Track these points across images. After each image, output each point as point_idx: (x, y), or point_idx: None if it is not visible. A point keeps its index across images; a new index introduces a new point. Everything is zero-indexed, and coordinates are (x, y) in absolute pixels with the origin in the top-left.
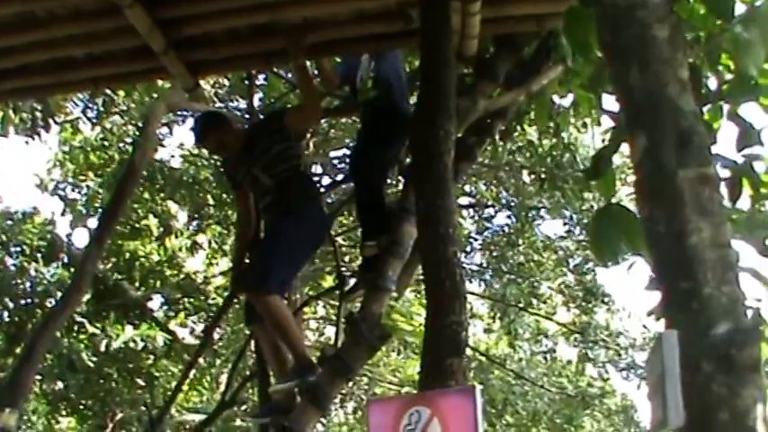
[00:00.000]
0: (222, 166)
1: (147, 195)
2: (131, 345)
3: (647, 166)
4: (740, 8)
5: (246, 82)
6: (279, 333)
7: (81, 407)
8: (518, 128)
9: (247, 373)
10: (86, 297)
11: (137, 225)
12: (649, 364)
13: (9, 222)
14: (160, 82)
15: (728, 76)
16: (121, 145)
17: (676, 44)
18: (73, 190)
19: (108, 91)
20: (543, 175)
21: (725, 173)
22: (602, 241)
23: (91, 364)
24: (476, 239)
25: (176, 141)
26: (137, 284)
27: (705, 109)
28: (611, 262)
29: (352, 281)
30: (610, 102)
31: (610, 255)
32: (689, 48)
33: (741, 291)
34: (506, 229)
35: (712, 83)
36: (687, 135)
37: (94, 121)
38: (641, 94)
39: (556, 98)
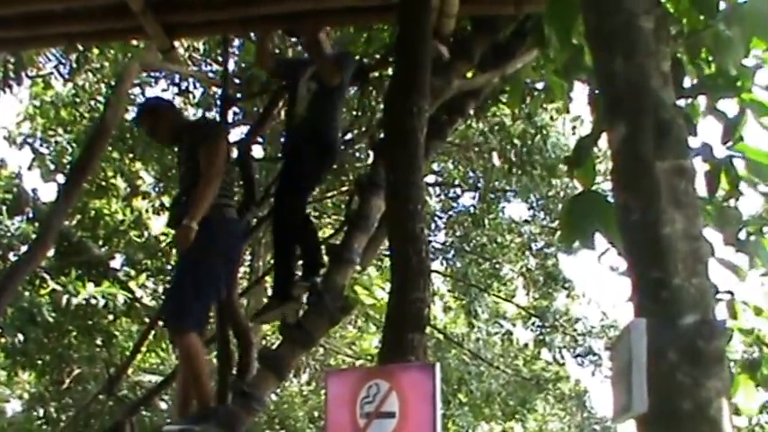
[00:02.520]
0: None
1: (115, 155)
2: (92, 302)
3: (625, 156)
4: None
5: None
6: (190, 374)
7: (39, 362)
8: (491, 109)
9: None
10: (49, 252)
11: (103, 184)
12: (616, 350)
13: None
14: (134, 42)
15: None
16: (93, 102)
17: (661, 37)
18: (41, 145)
19: (82, 48)
20: (513, 159)
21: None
22: (574, 225)
23: (51, 320)
24: (440, 218)
25: None
26: (100, 243)
27: (683, 102)
28: (582, 246)
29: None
30: (582, 90)
31: (579, 238)
32: (671, 41)
33: (711, 283)
34: (472, 209)
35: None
36: (666, 127)
37: (67, 77)
38: (624, 82)
39: (529, 83)
